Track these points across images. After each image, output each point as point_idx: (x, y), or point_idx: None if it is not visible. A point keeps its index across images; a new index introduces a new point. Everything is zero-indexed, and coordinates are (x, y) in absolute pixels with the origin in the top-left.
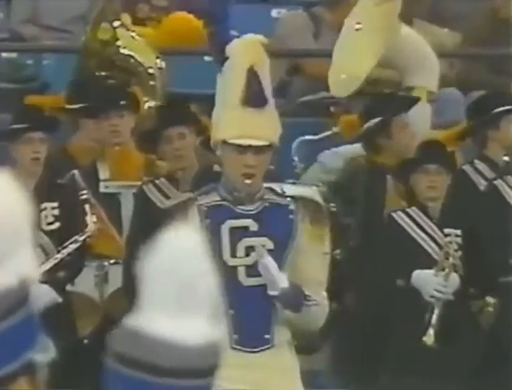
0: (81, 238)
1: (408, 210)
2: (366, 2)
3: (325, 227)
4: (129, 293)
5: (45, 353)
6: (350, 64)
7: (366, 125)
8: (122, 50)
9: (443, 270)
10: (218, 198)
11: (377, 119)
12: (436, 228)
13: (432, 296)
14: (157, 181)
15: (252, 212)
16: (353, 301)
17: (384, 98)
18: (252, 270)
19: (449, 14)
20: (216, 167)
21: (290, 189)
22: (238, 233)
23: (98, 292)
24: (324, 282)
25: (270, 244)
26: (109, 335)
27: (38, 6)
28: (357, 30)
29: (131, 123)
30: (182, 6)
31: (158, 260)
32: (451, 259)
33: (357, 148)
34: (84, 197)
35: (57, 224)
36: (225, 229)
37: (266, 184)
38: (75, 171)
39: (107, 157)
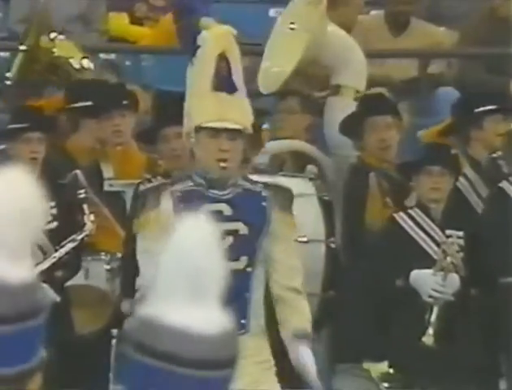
0: (79, 237)
1: (410, 210)
2: (298, 1)
3: (293, 215)
4: (126, 289)
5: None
6: (278, 59)
7: (341, 121)
8: (57, 54)
9: (442, 270)
10: (191, 184)
11: (348, 121)
12: (437, 229)
13: (430, 296)
14: (153, 180)
15: (225, 196)
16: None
17: (368, 98)
18: (227, 255)
19: (448, 13)
20: None
21: (282, 181)
22: (213, 217)
23: (110, 287)
24: (300, 268)
25: (244, 229)
26: (126, 323)
27: (36, 5)
28: (291, 29)
29: (132, 122)
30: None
31: (171, 250)
32: (449, 258)
33: (282, 144)
34: (82, 196)
35: (55, 223)
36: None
37: (253, 177)
38: (78, 171)
39: (110, 156)
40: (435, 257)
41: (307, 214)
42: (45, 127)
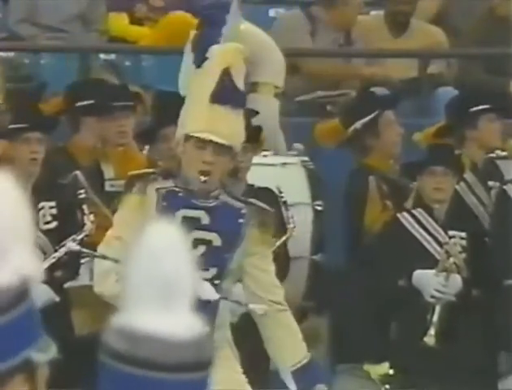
0: (79, 237)
1: (413, 211)
2: None
3: (271, 233)
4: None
5: (45, 352)
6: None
7: (353, 127)
8: None
9: (444, 270)
10: (175, 185)
11: (364, 119)
12: (440, 230)
13: (433, 297)
14: None
15: (206, 204)
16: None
17: (365, 98)
18: (199, 264)
19: (448, 10)
20: None
21: (275, 159)
22: (189, 224)
23: None
24: (280, 286)
25: (218, 241)
26: (103, 332)
27: (36, 5)
28: None
29: (133, 123)
30: (179, 6)
31: (140, 256)
32: (452, 259)
33: None
34: (81, 196)
35: (54, 223)
36: (178, 218)
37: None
38: (78, 172)
39: (111, 157)
40: (437, 257)
41: (292, 180)
42: (45, 127)
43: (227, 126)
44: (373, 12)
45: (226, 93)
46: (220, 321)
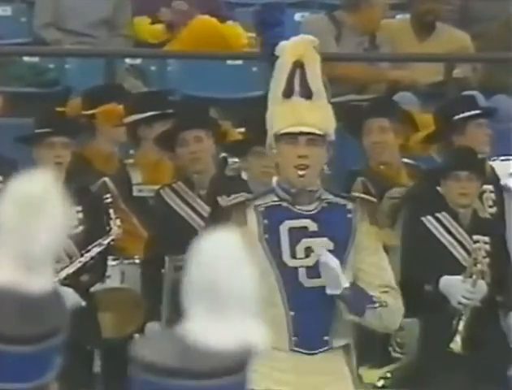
0: (105, 242)
1: (438, 215)
2: None
3: (379, 225)
4: (147, 295)
5: (56, 368)
6: None
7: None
8: None
9: (471, 276)
10: (275, 198)
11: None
12: (465, 234)
13: (460, 303)
14: (174, 185)
15: (310, 212)
16: None
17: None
18: (313, 272)
19: (474, 15)
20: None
21: None
22: (297, 234)
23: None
24: (392, 281)
25: (330, 245)
26: (133, 342)
27: (61, 10)
28: None
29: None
30: (203, 10)
31: (193, 263)
32: (479, 266)
33: None
34: (107, 201)
35: (80, 228)
36: (284, 229)
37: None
38: (106, 178)
39: (139, 162)
40: (462, 262)
41: None
42: (70, 131)
43: (315, 115)
44: (399, 16)
45: (300, 86)
46: (337, 326)
